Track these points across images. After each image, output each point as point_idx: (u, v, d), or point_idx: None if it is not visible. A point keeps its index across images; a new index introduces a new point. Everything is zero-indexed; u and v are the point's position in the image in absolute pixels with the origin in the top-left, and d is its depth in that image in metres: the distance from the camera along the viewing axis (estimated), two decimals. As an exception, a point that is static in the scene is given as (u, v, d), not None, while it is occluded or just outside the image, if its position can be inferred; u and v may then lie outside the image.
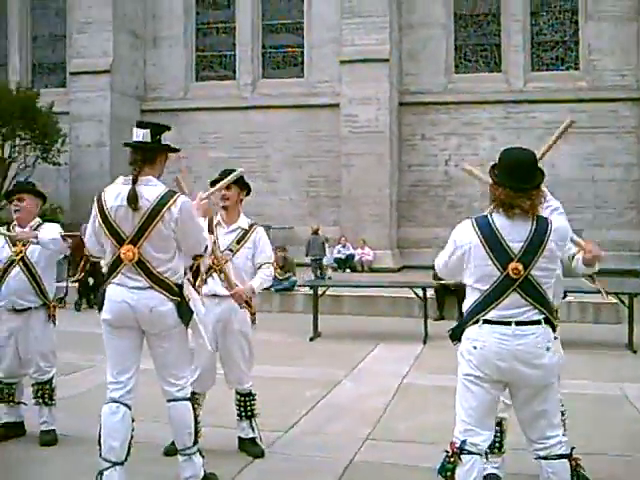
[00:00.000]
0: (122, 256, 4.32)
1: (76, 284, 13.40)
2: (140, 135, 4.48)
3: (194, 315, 4.57)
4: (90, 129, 22.13)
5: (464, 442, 3.79)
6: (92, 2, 22.19)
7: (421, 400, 7.52)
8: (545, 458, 3.85)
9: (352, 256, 20.14)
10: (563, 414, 4.58)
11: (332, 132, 21.29)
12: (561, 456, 3.85)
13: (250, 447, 5.60)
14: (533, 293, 3.83)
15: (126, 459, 4.37)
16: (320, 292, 12.48)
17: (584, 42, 21.51)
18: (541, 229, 3.84)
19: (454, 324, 4.16)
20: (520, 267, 3.77)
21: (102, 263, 5.62)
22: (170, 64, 23.62)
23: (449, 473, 3.80)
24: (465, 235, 3.92)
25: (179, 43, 23.61)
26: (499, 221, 3.85)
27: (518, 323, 3.80)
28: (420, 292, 11.96)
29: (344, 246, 20.28)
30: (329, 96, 21.62)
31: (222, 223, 5.66)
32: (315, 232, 19.27)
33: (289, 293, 14.65)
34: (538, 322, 3.83)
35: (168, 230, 4.35)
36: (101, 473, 4.29)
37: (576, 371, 7.48)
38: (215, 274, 5.46)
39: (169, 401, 4.55)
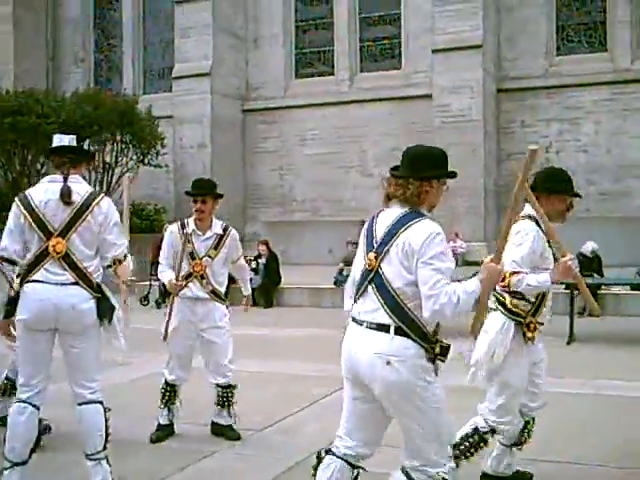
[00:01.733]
0: (50, 249, 4.43)
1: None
2: (66, 140, 4.69)
3: (115, 313, 4.65)
4: (192, 131, 22.84)
5: (331, 443, 3.73)
6: (192, 7, 22.87)
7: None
8: None
9: (443, 249, 19.71)
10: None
11: (427, 123, 20.90)
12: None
13: (228, 432, 6.04)
14: (384, 293, 3.50)
15: (29, 459, 4.50)
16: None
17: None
18: (403, 220, 3.57)
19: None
20: (372, 257, 3.56)
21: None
22: (270, 63, 23.98)
23: (312, 471, 3.76)
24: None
25: (278, 42, 23.93)
26: (383, 212, 3.75)
27: (368, 326, 3.51)
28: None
29: (434, 239, 19.88)
30: (425, 87, 21.23)
31: (197, 231, 5.99)
32: None
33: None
34: (385, 329, 3.46)
35: (95, 225, 4.51)
36: (1, 472, 4.43)
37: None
38: (196, 279, 5.95)
39: (80, 404, 4.58)
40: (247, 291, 6.65)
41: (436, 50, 20.32)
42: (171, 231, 6.10)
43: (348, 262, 15.31)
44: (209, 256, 5.99)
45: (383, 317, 3.46)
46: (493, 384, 4.48)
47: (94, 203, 4.51)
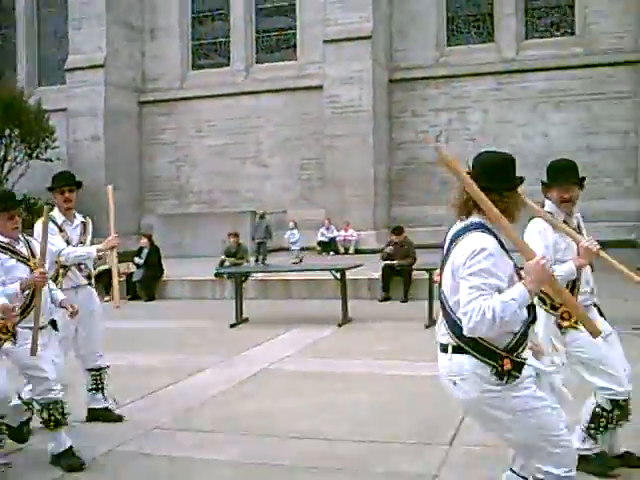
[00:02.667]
0: None
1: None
2: None
3: None
4: (86, 123, 22.51)
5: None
6: (86, -2, 22.56)
7: (262, 388, 7.42)
8: None
9: (335, 238, 19.96)
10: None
11: (320, 114, 21.07)
12: None
13: (107, 414, 6.23)
14: (443, 312, 3.36)
15: None
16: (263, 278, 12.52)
17: (580, 5, 20.65)
18: (454, 236, 3.36)
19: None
20: (438, 273, 3.45)
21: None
22: (167, 54, 23.83)
23: None
24: None
25: (175, 33, 23.79)
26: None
27: (440, 345, 3.39)
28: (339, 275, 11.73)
29: (327, 228, 20.12)
30: (318, 78, 21.37)
31: (67, 221, 6.32)
32: (262, 216, 19.29)
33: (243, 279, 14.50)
34: (445, 349, 3.35)
35: None
36: None
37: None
38: (74, 267, 6.20)
39: None
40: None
41: (327, 41, 20.48)
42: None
43: (229, 254, 15.38)
44: (81, 242, 6.30)
45: (444, 336, 3.36)
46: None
47: None
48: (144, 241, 16.06)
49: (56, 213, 6.26)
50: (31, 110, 20.36)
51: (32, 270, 5.15)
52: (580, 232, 4.64)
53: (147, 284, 15.41)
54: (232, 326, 11.41)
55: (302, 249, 19.36)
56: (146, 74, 24.14)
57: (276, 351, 9.28)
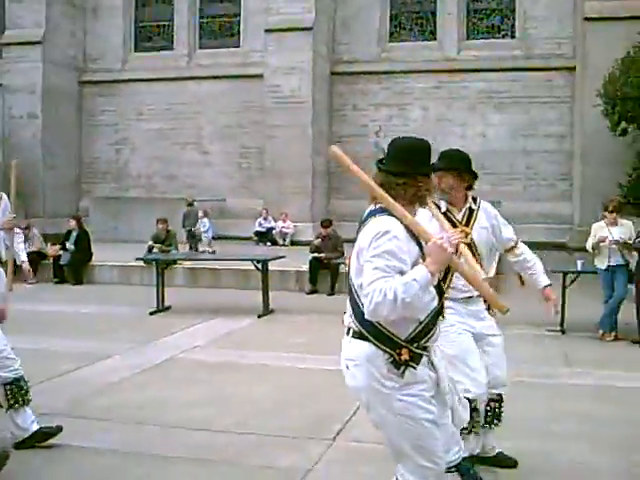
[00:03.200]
0: None
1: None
2: None
3: None
4: (23, 101, 22.10)
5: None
6: (25, -29, 22.10)
7: (163, 376, 7.43)
8: None
9: (272, 229, 20.00)
10: None
11: (262, 103, 21.03)
12: None
13: None
14: (350, 293, 3.30)
15: None
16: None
17: (520, 10, 20.94)
18: (362, 220, 3.32)
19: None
20: (347, 259, 3.41)
21: None
22: (109, 35, 23.49)
23: None
24: None
25: (118, 13, 23.44)
26: None
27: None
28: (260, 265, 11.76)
29: (265, 219, 20.15)
30: (261, 67, 21.28)
31: None
32: (190, 204, 19.31)
33: (171, 267, 14.44)
34: (347, 332, 3.29)
35: None
36: None
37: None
38: None
39: None
40: (24, 258, 6.43)
41: (269, 30, 20.42)
42: None
43: (157, 240, 15.29)
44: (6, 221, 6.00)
45: (348, 319, 3.29)
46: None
47: None
48: (72, 223, 15.84)
49: None
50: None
51: None
52: (467, 224, 4.65)
53: (75, 268, 15.23)
54: (152, 314, 11.37)
55: (214, 238, 19.39)
56: (87, 53, 23.77)
57: (188, 340, 9.29)
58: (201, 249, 17.52)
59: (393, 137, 3.44)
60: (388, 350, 3.15)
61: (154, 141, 22.87)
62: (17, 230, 6.50)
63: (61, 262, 15.32)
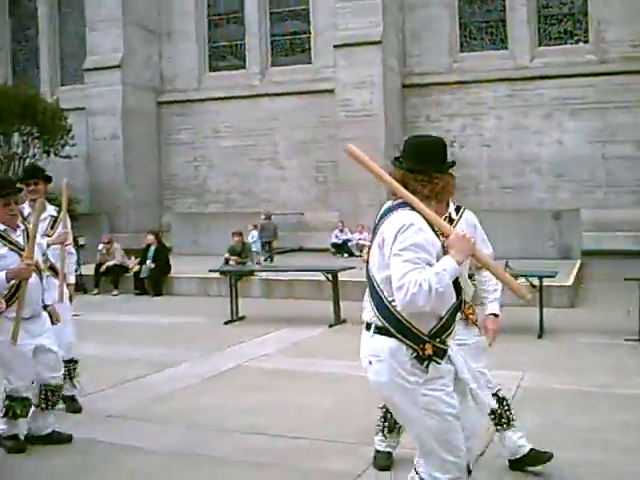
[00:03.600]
0: None
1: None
2: None
3: None
4: (104, 122, 22.94)
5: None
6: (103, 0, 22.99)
7: (228, 384, 7.63)
8: None
9: (348, 241, 20.15)
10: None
11: (334, 117, 21.26)
12: None
13: (70, 403, 6.49)
14: (370, 288, 3.38)
15: None
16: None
17: (593, 13, 20.60)
18: (382, 214, 3.40)
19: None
20: (365, 253, 3.54)
21: None
22: (184, 56, 24.15)
23: None
24: None
25: (191, 36, 24.08)
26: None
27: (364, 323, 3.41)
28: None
29: (342, 231, 20.31)
30: (332, 82, 21.52)
31: (33, 213, 6.26)
32: (268, 217, 19.60)
33: (246, 278, 14.74)
34: (368, 327, 3.36)
35: None
36: None
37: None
38: None
39: None
40: (72, 280, 6.85)
41: (338, 45, 20.64)
42: None
43: (233, 253, 15.64)
44: (47, 235, 6.43)
45: (369, 314, 3.35)
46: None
47: None
48: (151, 238, 16.37)
49: (26, 206, 6.47)
50: (48, 109, 20.80)
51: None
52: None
53: (154, 280, 15.73)
54: (226, 323, 11.62)
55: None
56: (164, 75, 24.52)
57: (257, 349, 9.47)
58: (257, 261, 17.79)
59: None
60: (412, 345, 3.20)
61: (231, 157, 23.38)
62: (71, 250, 6.81)
63: (141, 275, 15.84)
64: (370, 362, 3.29)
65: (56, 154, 21.16)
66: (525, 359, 8.71)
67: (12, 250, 5.29)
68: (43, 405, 5.49)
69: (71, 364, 6.64)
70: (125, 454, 5.33)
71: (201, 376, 7.89)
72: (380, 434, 4.95)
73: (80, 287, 16.21)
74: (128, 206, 23.04)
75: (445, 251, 3.21)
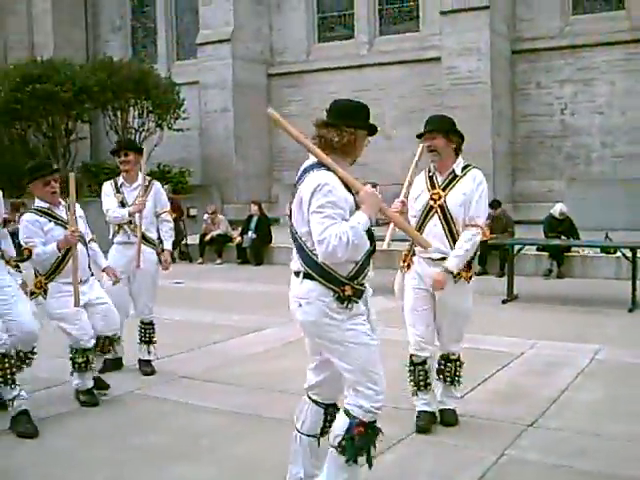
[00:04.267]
0: None
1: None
2: None
3: None
4: (215, 96, 23.50)
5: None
6: (214, -26, 23.45)
7: (301, 348, 7.75)
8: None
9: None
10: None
11: (440, 85, 20.98)
12: (344, 411, 3.78)
13: (145, 366, 6.93)
14: (294, 241, 3.79)
15: None
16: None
17: None
18: (302, 172, 3.81)
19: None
20: (287, 207, 3.85)
21: None
22: (293, 28, 24.32)
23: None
24: None
25: (301, 6, 24.21)
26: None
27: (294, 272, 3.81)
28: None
29: (445, 200, 20.10)
30: (438, 50, 21.21)
31: (125, 183, 7.04)
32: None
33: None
34: (297, 274, 3.77)
35: None
36: None
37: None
38: (125, 226, 6.93)
39: None
40: (167, 247, 7.24)
41: (443, 12, 20.30)
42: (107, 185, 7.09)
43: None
44: (136, 204, 6.85)
45: (296, 264, 3.77)
46: None
47: None
48: (254, 208, 16.81)
49: (120, 177, 7.03)
50: (161, 84, 21.52)
51: None
52: (445, 188, 5.11)
53: (256, 250, 16.17)
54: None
55: None
56: (274, 48, 24.82)
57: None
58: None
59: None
60: (334, 288, 3.64)
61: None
62: (167, 218, 7.18)
63: (243, 245, 16.30)
64: (300, 304, 3.70)
65: (169, 127, 21.87)
66: (611, 332, 8.53)
67: (57, 224, 5.90)
68: (98, 353, 6.05)
69: (149, 327, 7.03)
70: (192, 412, 5.62)
71: (280, 341, 8.14)
72: (415, 395, 5.26)
73: (186, 256, 16.96)
74: (238, 177, 23.59)
75: (357, 206, 3.65)
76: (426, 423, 5.14)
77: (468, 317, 5.26)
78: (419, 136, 5.29)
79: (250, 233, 16.25)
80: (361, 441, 3.68)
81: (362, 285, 3.74)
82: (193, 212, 20.93)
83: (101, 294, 6.09)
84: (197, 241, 17.24)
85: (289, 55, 24.54)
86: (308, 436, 3.97)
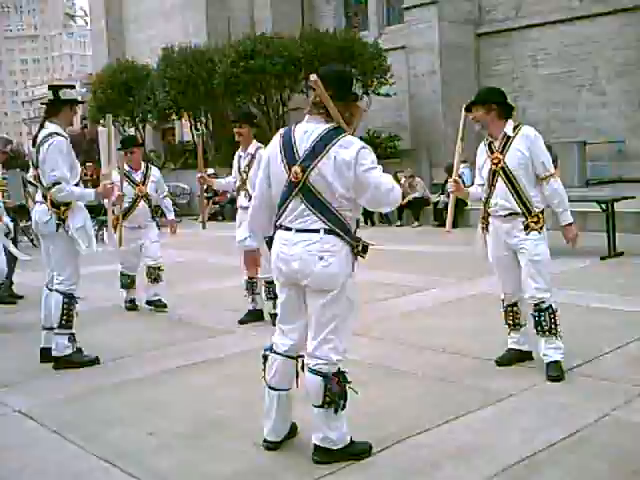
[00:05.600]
0: None
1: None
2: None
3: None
4: (422, 59, 23.62)
5: (273, 343, 4.26)
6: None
7: (454, 309, 8.04)
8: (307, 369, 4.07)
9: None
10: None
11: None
12: (314, 372, 3.98)
13: (251, 314, 7.83)
14: (313, 201, 3.94)
15: None
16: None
17: None
18: (328, 137, 3.93)
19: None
20: (299, 170, 3.95)
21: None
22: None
23: (262, 367, 4.29)
24: (270, 146, 4.21)
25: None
26: (300, 127, 4.08)
27: (298, 230, 3.99)
28: None
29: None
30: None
31: (240, 152, 7.66)
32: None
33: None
34: (316, 231, 3.94)
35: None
36: None
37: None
38: (241, 190, 7.63)
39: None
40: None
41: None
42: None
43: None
44: (244, 172, 7.51)
45: (315, 223, 3.93)
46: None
47: None
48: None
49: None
50: (367, 51, 22.02)
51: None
52: (502, 150, 5.48)
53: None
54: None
55: None
56: (482, 6, 24.39)
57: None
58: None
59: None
60: (352, 242, 4.01)
61: (549, 86, 22.77)
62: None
63: (439, 206, 16.51)
64: (322, 257, 3.91)
65: (376, 93, 22.38)
66: None
67: (129, 185, 8.39)
68: (148, 279, 8.65)
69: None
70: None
71: (437, 300, 8.41)
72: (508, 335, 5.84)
73: (385, 219, 17.50)
74: (447, 140, 23.61)
75: None
76: (507, 358, 5.73)
77: (545, 264, 5.43)
78: (467, 109, 5.65)
79: (444, 196, 16.37)
80: (340, 388, 4.00)
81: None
82: (400, 176, 21.33)
83: (149, 241, 8.67)
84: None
85: (498, 13, 24.04)
86: (278, 390, 4.20)
